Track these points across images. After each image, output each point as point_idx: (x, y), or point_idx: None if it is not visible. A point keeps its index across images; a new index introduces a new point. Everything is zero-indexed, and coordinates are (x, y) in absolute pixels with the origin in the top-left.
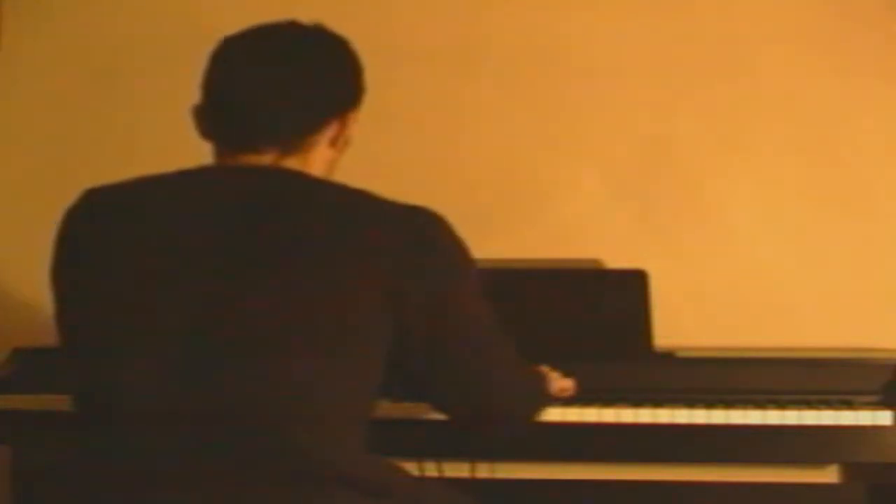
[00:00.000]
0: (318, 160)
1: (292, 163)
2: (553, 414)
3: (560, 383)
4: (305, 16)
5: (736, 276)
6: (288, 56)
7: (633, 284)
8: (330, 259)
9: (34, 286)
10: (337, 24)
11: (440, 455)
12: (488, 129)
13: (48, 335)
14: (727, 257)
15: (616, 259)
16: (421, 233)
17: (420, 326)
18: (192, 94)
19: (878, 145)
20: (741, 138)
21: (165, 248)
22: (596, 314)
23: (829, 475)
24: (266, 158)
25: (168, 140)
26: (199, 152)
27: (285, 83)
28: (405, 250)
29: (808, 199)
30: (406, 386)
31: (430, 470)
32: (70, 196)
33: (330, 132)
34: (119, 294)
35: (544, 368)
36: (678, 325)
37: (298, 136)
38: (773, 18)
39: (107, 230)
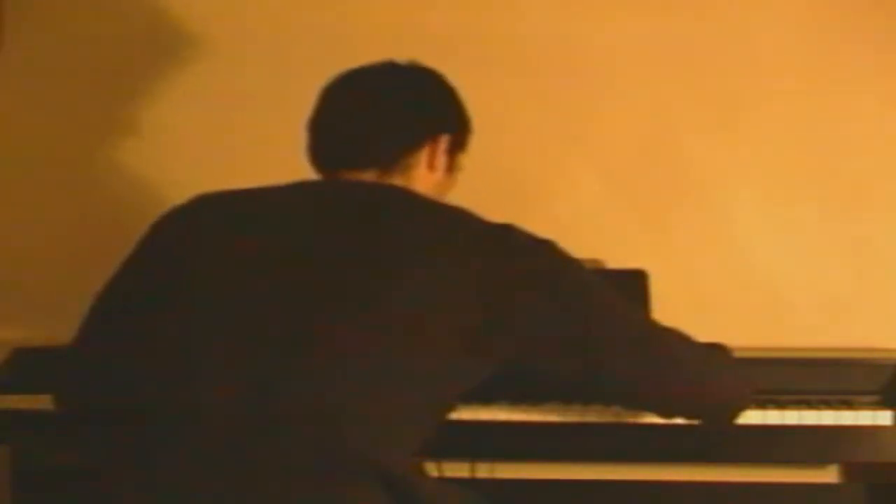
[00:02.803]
0: (419, 183)
1: (395, 181)
2: (553, 414)
3: None
4: (309, 15)
5: (736, 277)
6: (379, 86)
7: (633, 284)
8: (411, 272)
9: (34, 286)
10: (337, 23)
11: (440, 455)
12: (487, 129)
13: (48, 335)
14: (727, 257)
15: (616, 259)
16: (513, 246)
17: (557, 339)
18: (194, 93)
19: (878, 145)
20: (741, 137)
21: (250, 255)
22: None
23: (829, 475)
24: (367, 177)
25: (170, 140)
26: (200, 152)
27: (371, 111)
28: (503, 266)
29: (808, 200)
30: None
31: (430, 470)
32: (71, 196)
33: (424, 154)
34: (194, 296)
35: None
36: (678, 324)
37: (390, 155)
38: (774, 17)
39: (197, 234)
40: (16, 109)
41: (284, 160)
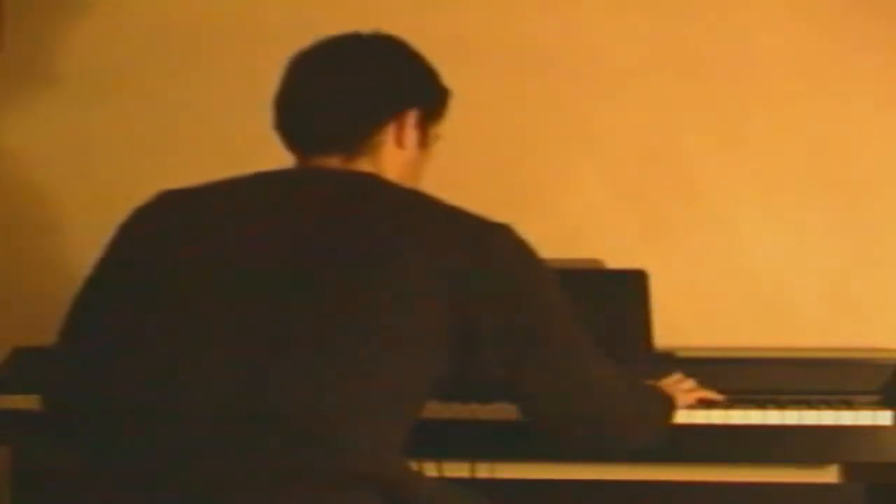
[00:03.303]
0: (389, 162)
1: (364, 166)
2: None
3: (693, 396)
4: (309, 14)
5: (736, 276)
6: (340, 66)
7: (633, 284)
8: (389, 267)
9: (34, 286)
10: (336, 23)
11: (440, 455)
12: (488, 129)
13: (48, 335)
14: (727, 257)
15: (616, 259)
16: (490, 246)
17: (499, 340)
18: (194, 95)
19: (879, 146)
20: (741, 138)
21: (224, 252)
22: (596, 314)
23: (829, 475)
24: (333, 161)
25: (170, 141)
26: (200, 151)
27: (334, 89)
28: (474, 265)
29: (808, 199)
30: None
31: (430, 470)
32: (71, 197)
33: (391, 132)
34: (175, 295)
35: (672, 380)
36: (678, 325)
37: (353, 137)
38: (773, 18)
39: (169, 232)
40: (16, 109)
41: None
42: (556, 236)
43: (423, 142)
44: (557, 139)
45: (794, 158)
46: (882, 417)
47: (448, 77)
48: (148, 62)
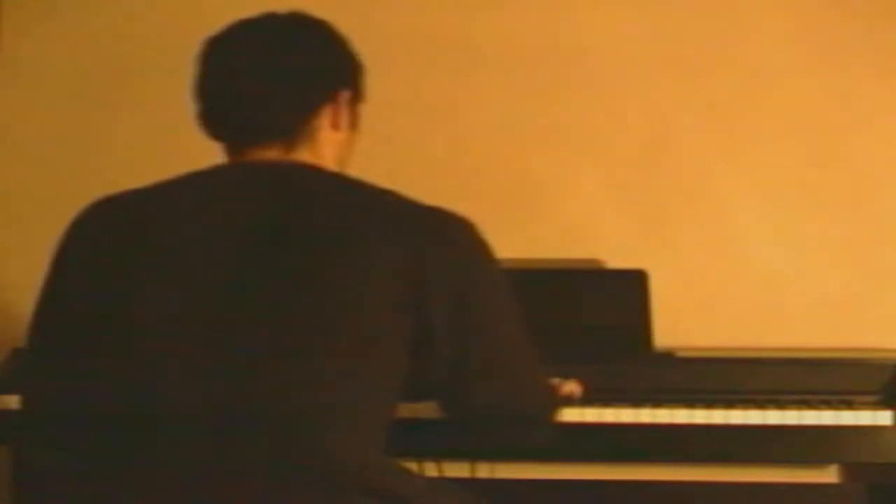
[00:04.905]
0: (326, 147)
1: (303, 154)
2: None
3: (567, 388)
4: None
5: (736, 276)
6: (266, 48)
7: (633, 284)
8: (353, 262)
9: (34, 286)
10: (335, 23)
11: (440, 455)
12: (488, 129)
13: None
14: (727, 257)
15: (616, 259)
16: (444, 235)
17: (443, 327)
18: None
19: (878, 144)
20: (741, 138)
21: (184, 254)
22: (596, 314)
23: (829, 475)
24: (272, 152)
25: (170, 141)
26: (201, 152)
27: (266, 75)
28: (429, 253)
29: (808, 199)
30: (426, 390)
31: (430, 470)
32: (70, 197)
33: (326, 115)
34: (140, 301)
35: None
36: (678, 325)
37: (292, 124)
38: (772, 16)
39: (119, 240)
40: (16, 109)
41: None
42: (556, 236)
43: (354, 122)
44: (557, 139)
45: (794, 158)
46: (882, 417)
47: (448, 79)
48: (148, 61)
